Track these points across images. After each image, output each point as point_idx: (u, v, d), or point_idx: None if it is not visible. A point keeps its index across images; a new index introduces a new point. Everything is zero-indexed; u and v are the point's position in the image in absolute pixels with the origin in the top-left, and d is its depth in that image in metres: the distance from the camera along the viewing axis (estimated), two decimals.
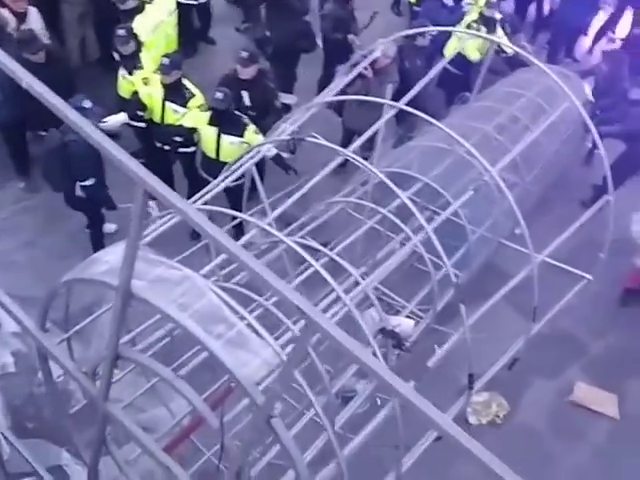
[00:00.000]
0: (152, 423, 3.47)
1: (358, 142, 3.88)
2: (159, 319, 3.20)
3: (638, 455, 4.78)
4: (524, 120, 4.88)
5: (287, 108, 6.22)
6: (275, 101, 5.60)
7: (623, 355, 5.39)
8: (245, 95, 5.60)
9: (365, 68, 5.69)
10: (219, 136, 5.24)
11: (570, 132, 5.55)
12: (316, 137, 3.94)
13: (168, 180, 6.03)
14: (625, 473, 4.68)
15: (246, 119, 5.25)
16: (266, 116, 5.55)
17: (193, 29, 7.52)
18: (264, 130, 5.08)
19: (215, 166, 5.19)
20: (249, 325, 2.51)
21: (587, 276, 4.28)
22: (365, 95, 5.01)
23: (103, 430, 3.10)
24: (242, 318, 2.52)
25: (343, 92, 5.87)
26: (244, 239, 3.47)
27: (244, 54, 5.47)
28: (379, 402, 3.46)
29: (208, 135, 5.33)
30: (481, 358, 3.84)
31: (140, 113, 5.59)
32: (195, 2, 7.16)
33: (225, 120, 5.20)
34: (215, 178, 4.06)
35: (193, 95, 5.52)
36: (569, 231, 4.14)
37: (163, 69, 5.39)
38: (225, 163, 5.14)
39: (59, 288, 2.85)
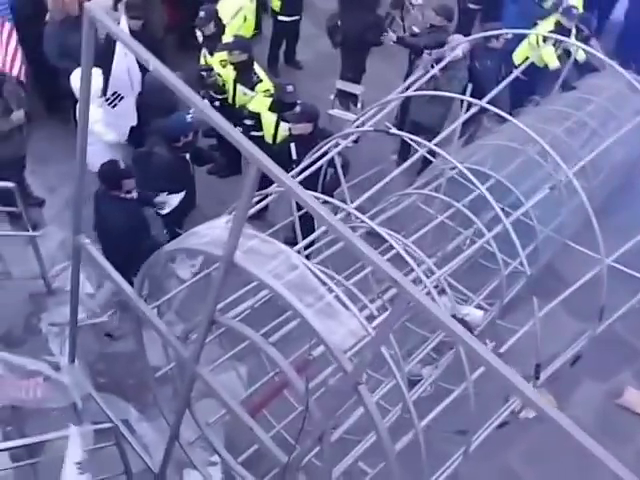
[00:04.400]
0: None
1: (440, 137, 4.02)
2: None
3: None
4: (593, 125, 4.95)
5: (353, 98, 6.44)
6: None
7: None
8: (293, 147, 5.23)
9: (432, 65, 5.84)
10: (277, 123, 5.38)
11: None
12: (389, 127, 4.11)
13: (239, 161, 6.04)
14: None
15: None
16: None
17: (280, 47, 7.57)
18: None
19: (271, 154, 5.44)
20: (337, 298, 2.71)
21: None
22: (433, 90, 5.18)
23: (189, 391, 3.37)
24: (330, 291, 2.72)
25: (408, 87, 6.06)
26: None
27: (297, 110, 5.09)
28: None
29: (268, 121, 5.49)
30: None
31: (217, 96, 5.80)
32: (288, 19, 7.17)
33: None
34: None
35: (260, 80, 5.71)
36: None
37: (227, 46, 5.63)
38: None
39: (160, 257, 3.12)
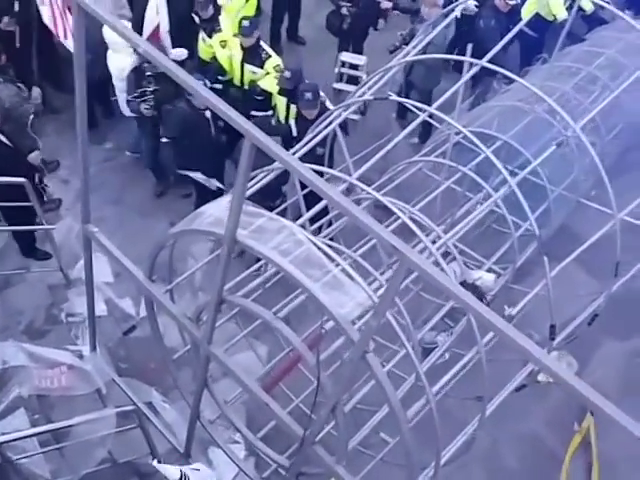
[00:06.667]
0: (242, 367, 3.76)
1: (440, 101, 3.95)
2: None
3: None
4: (604, 79, 4.81)
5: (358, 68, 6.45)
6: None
7: None
8: (293, 124, 5.27)
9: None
10: (288, 105, 5.37)
11: None
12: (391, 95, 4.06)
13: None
14: None
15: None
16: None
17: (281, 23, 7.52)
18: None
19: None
20: (343, 271, 2.70)
21: None
22: None
23: (205, 372, 3.40)
24: (336, 265, 2.71)
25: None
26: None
27: (308, 96, 5.01)
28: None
29: (280, 104, 5.45)
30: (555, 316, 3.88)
31: (220, 78, 5.80)
32: None
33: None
34: None
35: (269, 56, 5.67)
36: None
37: (244, 31, 5.54)
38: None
39: (167, 240, 3.13)
